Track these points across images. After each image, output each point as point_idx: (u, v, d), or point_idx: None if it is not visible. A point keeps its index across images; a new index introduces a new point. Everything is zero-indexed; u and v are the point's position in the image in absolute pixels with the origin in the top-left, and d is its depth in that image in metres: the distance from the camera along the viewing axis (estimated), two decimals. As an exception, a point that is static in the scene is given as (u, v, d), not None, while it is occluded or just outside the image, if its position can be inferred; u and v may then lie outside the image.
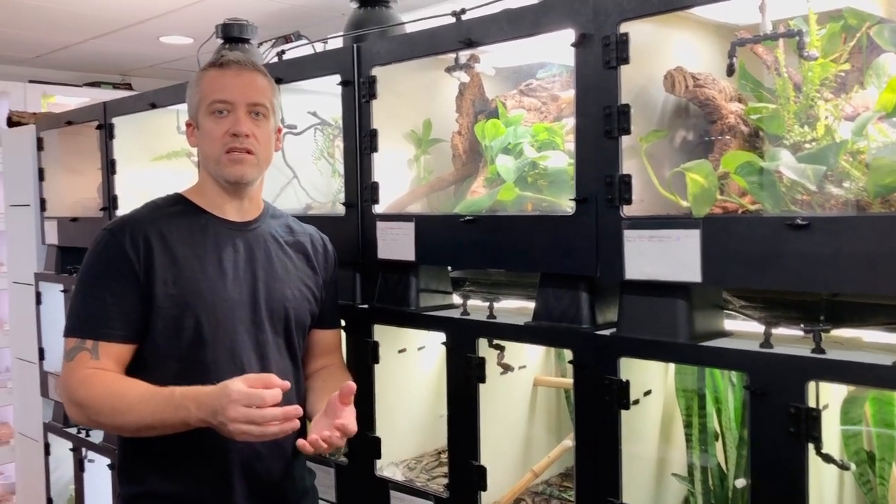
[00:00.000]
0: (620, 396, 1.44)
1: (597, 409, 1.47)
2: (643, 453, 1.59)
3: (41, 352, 3.23)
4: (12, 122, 3.47)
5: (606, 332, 1.49)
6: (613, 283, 1.49)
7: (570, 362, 1.52)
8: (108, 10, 3.69)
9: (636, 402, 1.50)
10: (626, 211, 1.42)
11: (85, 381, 1.45)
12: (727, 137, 1.44)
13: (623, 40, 1.40)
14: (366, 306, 1.94)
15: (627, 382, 1.44)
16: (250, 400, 1.32)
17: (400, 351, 1.98)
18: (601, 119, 1.43)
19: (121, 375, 1.49)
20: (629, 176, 1.41)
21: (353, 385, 1.47)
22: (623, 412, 1.44)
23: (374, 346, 1.88)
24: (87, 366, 1.47)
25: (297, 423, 1.36)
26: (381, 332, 1.91)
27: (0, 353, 4.57)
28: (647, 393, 1.57)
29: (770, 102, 1.47)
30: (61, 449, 3.17)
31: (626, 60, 1.40)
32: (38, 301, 3.23)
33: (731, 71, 1.37)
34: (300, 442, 1.41)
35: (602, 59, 1.42)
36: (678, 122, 1.57)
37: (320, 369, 1.77)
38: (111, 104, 2.85)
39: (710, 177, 1.34)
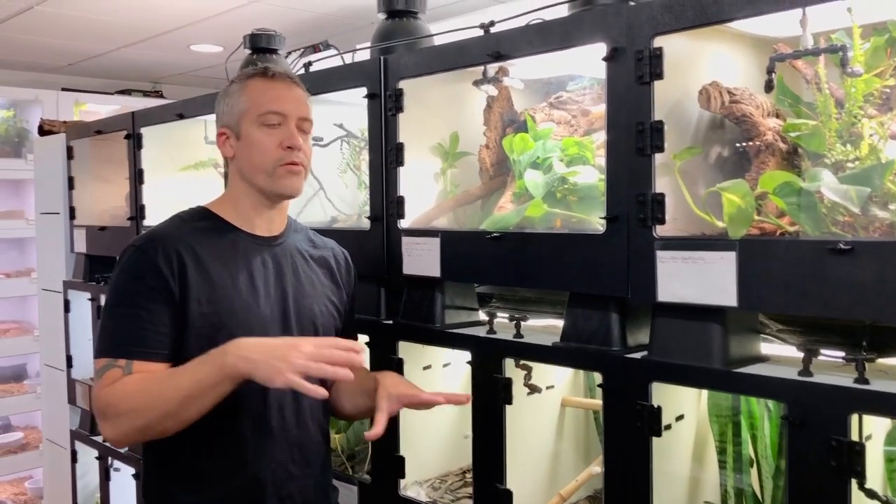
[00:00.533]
0: (652, 423, 1.39)
1: (627, 434, 1.42)
2: (675, 480, 1.54)
3: (69, 359, 3.24)
4: (44, 131, 3.50)
5: (637, 356, 1.44)
6: (645, 304, 1.44)
7: (599, 386, 1.47)
8: (140, 18, 3.71)
9: (668, 427, 1.45)
10: (659, 231, 1.37)
11: (114, 391, 1.39)
12: (765, 155, 1.39)
13: (657, 55, 1.35)
14: (390, 322, 1.91)
15: (659, 408, 1.39)
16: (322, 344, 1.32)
17: (425, 368, 1.95)
18: (633, 135, 1.39)
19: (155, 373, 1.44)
20: (662, 195, 1.36)
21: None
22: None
23: (399, 363, 1.85)
24: (119, 379, 1.40)
25: (349, 374, 1.31)
26: (406, 348, 1.87)
27: (31, 358, 4.61)
28: (680, 418, 1.52)
29: (809, 118, 1.41)
30: (88, 457, 3.18)
31: (659, 76, 1.36)
32: (67, 309, 3.25)
33: (769, 87, 1.32)
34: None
35: (635, 73, 1.38)
36: (713, 138, 1.52)
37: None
38: (139, 114, 2.85)
39: (748, 197, 1.29)
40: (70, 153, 3.29)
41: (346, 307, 1.72)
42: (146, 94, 5.19)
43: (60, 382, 3.32)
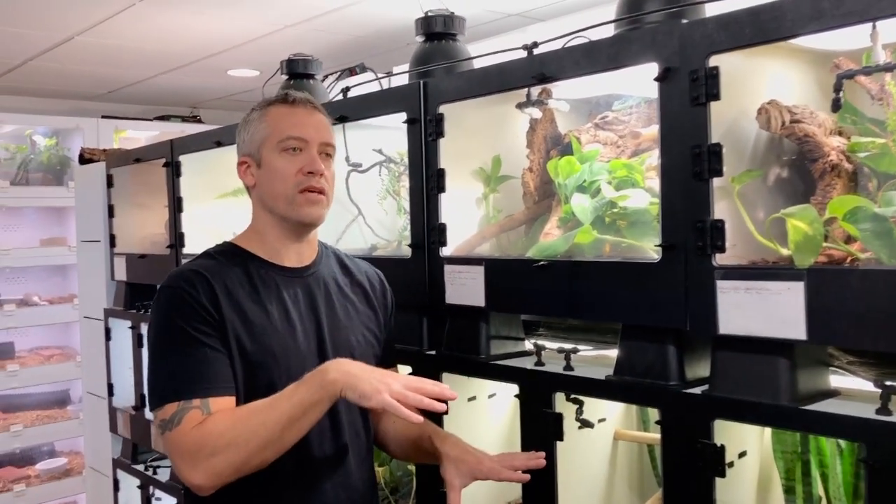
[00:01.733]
0: (715, 462, 1.31)
1: (688, 474, 1.34)
2: (738, 520, 1.45)
3: (110, 388, 3.24)
4: (84, 159, 3.52)
5: (697, 391, 1.36)
6: (704, 336, 1.36)
7: (657, 422, 1.40)
8: (178, 45, 3.73)
9: (730, 464, 1.37)
10: (719, 259, 1.30)
11: (203, 431, 1.32)
12: (830, 177, 1.31)
13: (713, 74, 1.28)
14: (433, 353, 1.85)
15: (722, 447, 1.31)
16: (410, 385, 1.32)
17: (469, 399, 1.88)
18: (690, 159, 1.32)
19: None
20: (722, 221, 1.29)
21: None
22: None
23: (443, 395, 1.79)
24: (199, 422, 1.34)
25: (441, 406, 1.31)
26: (450, 379, 1.81)
27: (74, 384, 4.64)
28: (742, 454, 1.44)
29: (876, 136, 1.33)
30: (130, 485, 3.17)
31: (716, 96, 1.29)
32: (108, 337, 3.25)
33: (836, 106, 1.24)
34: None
35: (689, 94, 1.31)
36: (771, 159, 1.44)
37: (384, 412, 1.69)
38: (178, 142, 2.85)
39: (815, 224, 1.21)
40: (110, 181, 3.30)
41: (385, 333, 1.66)
42: (184, 119, 5.23)
43: (102, 410, 3.31)
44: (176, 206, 2.84)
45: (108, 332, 3.25)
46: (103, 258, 3.34)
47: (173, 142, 2.86)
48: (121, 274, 3.21)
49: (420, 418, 1.29)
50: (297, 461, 1.44)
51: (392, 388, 1.28)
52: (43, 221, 4.82)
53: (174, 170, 2.84)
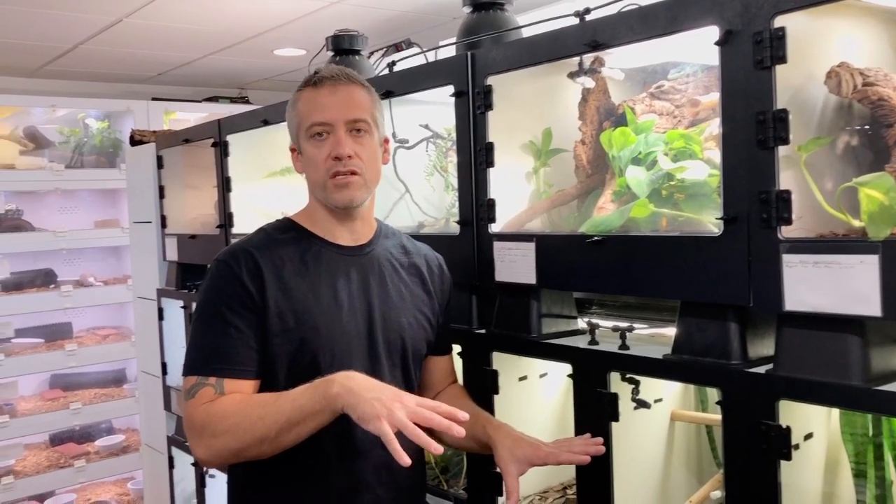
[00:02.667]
0: (780, 445, 1.25)
1: (751, 457, 1.28)
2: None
3: (164, 366, 3.28)
4: (135, 141, 3.55)
5: (761, 370, 1.30)
6: (769, 313, 1.30)
7: (717, 403, 1.34)
8: (225, 25, 3.73)
9: (796, 446, 1.30)
10: (785, 232, 1.23)
11: (211, 410, 1.33)
12: (907, 143, 1.22)
13: (779, 36, 1.20)
14: (483, 332, 1.82)
15: (788, 429, 1.24)
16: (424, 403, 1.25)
17: (520, 378, 1.84)
18: (753, 126, 1.24)
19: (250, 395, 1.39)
20: (788, 192, 1.22)
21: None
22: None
23: (494, 374, 1.75)
24: (211, 398, 1.36)
25: (459, 430, 1.24)
26: (500, 358, 1.77)
27: (129, 363, 4.73)
28: (809, 437, 1.37)
29: (956, 99, 1.24)
30: (184, 462, 3.21)
31: (782, 59, 1.21)
32: (161, 316, 3.29)
33: (916, 66, 1.15)
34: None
35: (753, 58, 1.23)
36: (841, 125, 1.36)
37: (436, 396, 1.67)
38: (225, 121, 2.84)
39: (892, 193, 1.13)
40: (160, 162, 3.32)
41: (440, 318, 1.64)
42: (233, 100, 5.25)
43: (156, 388, 3.36)
44: (224, 185, 2.84)
45: (160, 311, 3.29)
46: (155, 239, 3.37)
47: (221, 122, 2.86)
48: (172, 254, 3.24)
49: (438, 448, 1.21)
50: (339, 441, 1.42)
51: (394, 415, 1.19)
52: (97, 204, 4.90)
53: (222, 150, 2.84)
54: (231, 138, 2.81)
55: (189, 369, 1.41)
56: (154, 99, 4.88)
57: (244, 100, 5.35)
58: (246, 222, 2.75)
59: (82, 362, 4.50)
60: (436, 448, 1.22)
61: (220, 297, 1.43)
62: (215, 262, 1.47)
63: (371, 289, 1.51)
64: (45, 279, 4.53)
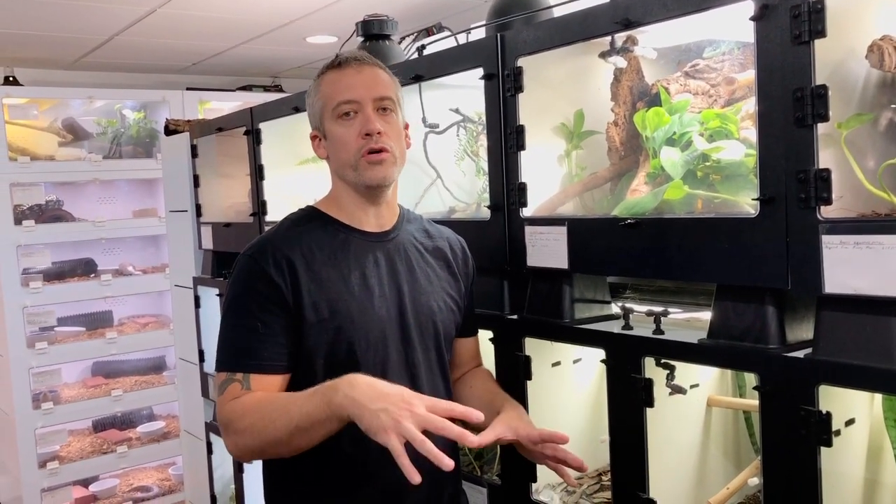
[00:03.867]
0: (820, 431, 1.21)
1: (790, 443, 1.25)
2: (846, 491, 1.35)
3: (201, 354, 3.32)
4: (169, 131, 3.58)
5: (799, 354, 1.27)
6: (808, 296, 1.26)
7: (755, 388, 1.31)
8: (257, 14, 3.74)
9: (837, 433, 1.27)
10: (824, 212, 1.19)
11: (234, 408, 1.35)
12: (953, 118, 1.18)
13: (817, 9, 1.16)
14: (515, 317, 1.80)
15: (828, 415, 1.21)
16: (436, 408, 1.20)
17: (553, 364, 1.83)
18: (790, 104, 1.21)
19: (272, 394, 1.39)
20: (828, 171, 1.18)
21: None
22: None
23: (526, 360, 1.73)
24: (237, 395, 1.38)
25: (450, 463, 1.19)
26: (533, 344, 1.76)
27: (168, 351, 4.80)
28: (850, 422, 1.33)
29: None
30: (222, 448, 3.24)
31: (821, 33, 1.17)
32: (197, 304, 3.32)
33: (962, 37, 1.11)
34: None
35: (790, 32, 1.20)
36: (884, 102, 1.31)
37: (460, 377, 1.67)
38: (257, 109, 2.85)
39: (937, 169, 1.09)
40: (194, 151, 3.35)
41: (466, 301, 1.63)
42: (266, 88, 5.27)
43: (194, 375, 3.41)
44: (258, 173, 2.85)
45: (197, 299, 3.32)
46: (191, 228, 3.40)
47: (253, 109, 2.86)
48: (207, 243, 3.27)
49: (449, 463, 1.17)
50: None
51: (402, 426, 1.15)
52: (135, 193, 4.97)
53: (255, 138, 2.85)
54: (263, 126, 2.82)
55: (218, 365, 1.43)
56: (189, 89, 4.92)
57: (277, 88, 5.37)
58: (279, 210, 2.76)
59: (123, 350, 4.58)
60: (470, 441, 1.22)
61: (247, 292, 1.43)
62: (242, 257, 1.47)
63: (399, 274, 1.51)
64: (86, 268, 4.60)
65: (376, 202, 1.52)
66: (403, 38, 2.73)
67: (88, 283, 4.48)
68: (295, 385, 1.45)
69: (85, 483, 4.51)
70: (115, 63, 4.76)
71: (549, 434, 1.41)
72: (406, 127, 1.55)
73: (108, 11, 3.58)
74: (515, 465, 1.76)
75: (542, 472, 1.76)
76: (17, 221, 4.23)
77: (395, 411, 1.17)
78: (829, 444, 1.22)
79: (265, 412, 1.32)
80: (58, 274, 4.48)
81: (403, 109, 1.54)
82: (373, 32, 2.47)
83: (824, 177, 1.18)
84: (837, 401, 1.25)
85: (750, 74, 1.50)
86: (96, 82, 4.91)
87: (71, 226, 4.48)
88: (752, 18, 1.25)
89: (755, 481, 1.55)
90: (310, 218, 1.53)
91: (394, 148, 1.47)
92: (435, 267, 1.58)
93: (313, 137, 1.55)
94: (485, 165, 1.85)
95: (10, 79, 4.52)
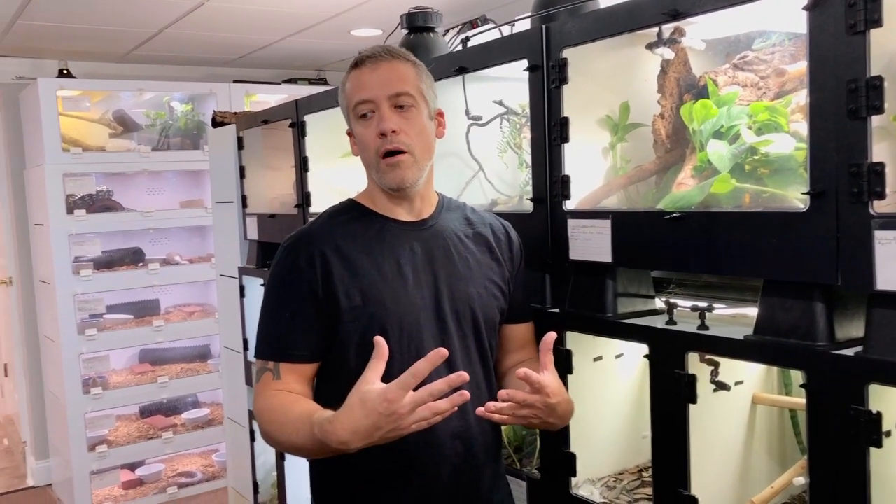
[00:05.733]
0: (869, 431, 1.19)
1: (838, 443, 1.22)
2: None
3: (245, 342, 3.37)
4: (216, 123, 3.63)
5: (849, 352, 1.24)
6: (858, 293, 1.23)
7: (802, 386, 1.28)
8: (303, 7, 3.77)
9: (887, 433, 1.24)
10: (877, 207, 1.16)
11: (262, 407, 1.43)
12: None
13: (874, -3, 1.13)
14: (557, 311, 1.79)
15: (879, 415, 1.18)
16: (407, 384, 1.19)
17: (595, 359, 1.81)
18: (843, 95, 1.18)
19: (297, 396, 1.43)
20: (882, 164, 1.15)
21: (552, 335, 1.35)
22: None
23: (568, 355, 1.72)
24: (269, 386, 1.44)
25: (465, 395, 1.21)
26: (574, 338, 1.74)
27: (213, 339, 4.88)
28: (901, 423, 1.30)
29: None
30: (265, 436, 3.29)
31: (877, 23, 1.14)
32: (242, 294, 3.37)
33: None
34: (479, 410, 1.31)
35: (845, 22, 1.16)
36: (942, 93, 1.27)
37: (515, 366, 1.65)
38: (302, 102, 2.88)
39: None
40: (240, 143, 3.39)
41: (512, 285, 1.62)
42: (311, 82, 5.32)
43: (238, 364, 3.46)
44: (302, 165, 2.88)
45: (242, 289, 3.37)
46: (236, 218, 3.45)
47: (298, 102, 2.89)
48: (252, 233, 3.31)
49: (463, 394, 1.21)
50: None
51: (407, 429, 1.20)
52: (182, 184, 5.06)
53: (299, 130, 2.87)
54: (308, 118, 2.84)
55: (255, 353, 1.49)
56: (235, 81, 4.99)
57: (322, 81, 5.41)
58: (323, 201, 2.78)
59: (169, 338, 4.67)
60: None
61: (282, 283, 1.48)
62: (280, 248, 1.51)
63: (436, 261, 1.51)
64: (134, 257, 4.70)
65: (406, 198, 1.54)
66: (448, 31, 2.72)
67: (136, 271, 4.58)
68: (329, 371, 1.49)
69: (132, 467, 4.62)
70: (164, 56, 4.84)
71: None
72: (440, 114, 1.55)
73: (158, 5, 3.65)
74: (555, 459, 1.76)
75: (582, 466, 1.75)
76: (70, 211, 4.34)
77: (393, 426, 1.20)
78: (878, 444, 1.19)
79: (283, 423, 1.37)
80: (107, 262, 4.58)
81: (432, 99, 1.53)
82: (417, 25, 2.48)
83: (878, 170, 1.15)
84: (888, 401, 1.22)
85: (801, 66, 1.47)
86: (146, 75, 5.00)
87: (120, 215, 4.58)
88: (806, 8, 1.22)
89: (801, 481, 1.52)
90: (348, 209, 1.56)
91: (412, 146, 1.46)
92: (475, 253, 1.58)
93: (350, 135, 1.57)
94: (528, 158, 1.84)
95: (65, 72, 4.63)
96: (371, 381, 1.22)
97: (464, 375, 1.22)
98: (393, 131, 1.43)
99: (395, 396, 1.18)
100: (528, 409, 1.33)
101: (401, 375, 1.19)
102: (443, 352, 1.20)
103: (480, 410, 1.31)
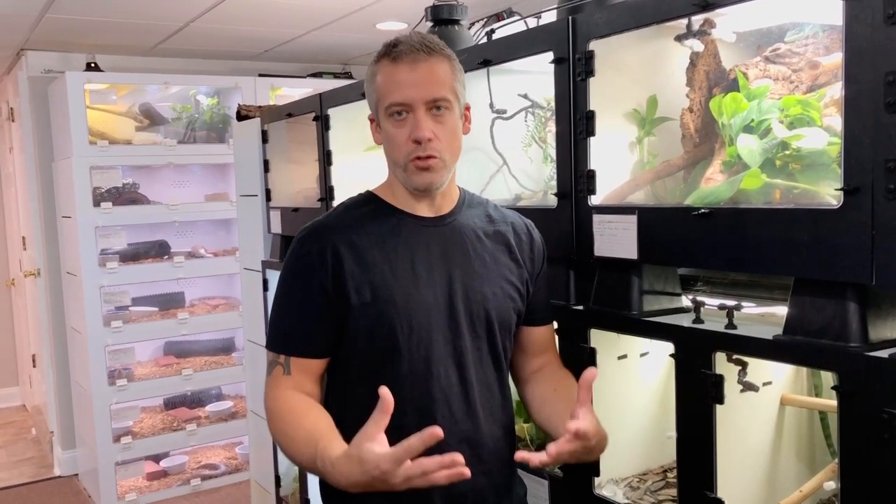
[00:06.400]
0: (904, 435, 1.15)
1: (870, 447, 1.19)
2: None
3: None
4: (241, 116, 3.63)
5: (883, 354, 1.20)
6: (893, 293, 1.19)
7: (833, 388, 1.24)
8: (328, 1, 3.76)
9: (922, 438, 1.20)
10: (915, 204, 1.12)
11: (271, 407, 1.42)
12: None
13: (914, -14, 1.09)
14: (581, 308, 1.76)
15: (914, 419, 1.14)
16: (400, 459, 1.16)
17: (620, 357, 1.78)
18: (881, 88, 1.14)
19: (308, 405, 1.41)
20: (920, 160, 1.11)
21: (593, 371, 1.29)
22: (906, 453, 1.16)
23: (591, 352, 1.70)
24: (280, 382, 1.42)
25: (464, 471, 1.18)
26: (598, 336, 1.72)
27: (237, 332, 4.89)
28: (937, 428, 1.26)
29: None
30: (287, 430, 3.30)
31: (917, 11, 1.10)
32: (265, 287, 3.37)
33: None
34: (526, 455, 1.25)
35: (883, 12, 1.12)
36: (984, 86, 1.23)
37: (537, 371, 1.62)
38: (326, 95, 2.87)
39: None
40: (265, 137, 3.39)
41: (531, 287, 1.58)
42: (336, 75, 5.31)
43: (261, 357, 3.46)
44: (326, 159, 2.87)
45: (265, 283, 3.37)
46: (260, 212, 3.45)
47: (322, 95, 2.88)
48: (276, 227, 3.31)
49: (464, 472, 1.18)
50: (420, 415, 1.41)
51: (398, 486, 1.17)
52: (207, 178, 5.08)
53: (323, 123, 2.86)
54: (332, 112, 2.83)
55: (267, 343, 1.48)
56: (261, 75, 4.99)
57: (347, 75, 5.40)
58: (346, 195, 2.73)
59: (193, 331, 4.69)
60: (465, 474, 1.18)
61: (294, 275, 1.46)
62: (294, 240, 1.50)
63: (452, 259, 1.49)
64: (160, 250, 4.73)
65: (428, 196, 1.51)
66: (473, 24, 2.70)
67: (162, 264, 4.61)
68: (338, 367, 1.48)
69: (156, 458, 4.65)
70: (190, 50, 4.86)
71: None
72: (467, 108, 1.52)
73: (183, -2, 3.65)
74: (578, 458, 1.73)
75: (606, 466, 1.72)
76: (96, 203, 4.37)
77: (389, 485, 1.18)
78: (913, 449, 1.15)
79: (291, 437, 1.36)
80: (133, 255, 4.61)
81: (462, 95, 1.49)
82: (442, 17, 2.45)
83: (916, 166, 1.11)
84: (923, 404, 1.18)
85: (836, 58, 1.43)
86: (172, 68, 5.02)
87: (146, 208, 4.60)
88: (841, -2, 1.18)
89: (831, 485, 1.48)
90: (365, 202, 1.54)
91: (443, 152, 1.44)
92: (494, 252, 1.55)
93: (371, 121, 1.53)
94: (552, 152, 1.81)
95: (92, 65, 4.66)
96: (372, 436, 1.19)
97: (456, 457, 1.18)
98: (428, 139, 1.41)
99: (389, 468, 1.17)
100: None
101: (394, 448, 1.17)
102: (437, 433, 1.16)
103: (520, 455, 1.26)
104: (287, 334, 1.45)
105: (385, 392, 1.20)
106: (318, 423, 1.35)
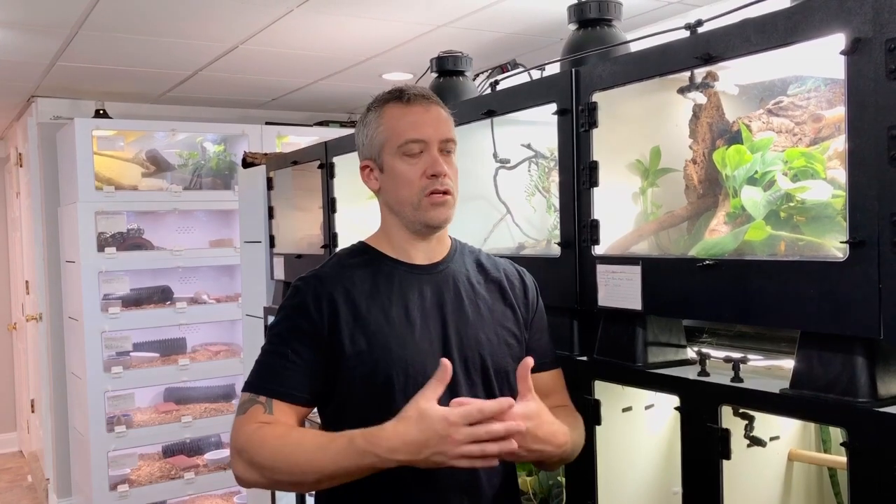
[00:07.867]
0: (916, 494, 1.12)
1: (881, 506, 1.16)
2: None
3: (268, 384, 3.33)
4: (247, 163, 3.66)
5: (893, 410, 1.18)
6: (902, 347, 1.18)
7: (842, 444, 1.22)
8: (334, 51, 3.82)
9: (934, 497, 1.17)
10: (922, 257, 1.11)
11: (253, 437, 1.34)
12: None
13: (916, 42, 1.10)
14: (585, 359, 1.74)
15: (926, 477, 1.12)
16: (470, 417, 1.21)
17: (624, 409, 1.76)
18: (884, 142, 1.14)
19: (290, 425, 1.38)
20: (926, 213, 1.10)
21: (528, 360, 1.35)
22: (919, 513, 1.13)
23: (596, 404, 1.67)
24: (259, 418, 1.37)
25: (513, 444, 1.23)
26: (603, 387, 1.69)
27: (238, 379, 4.85)
28: (949, 486, 1.23)
29: None
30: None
31: (919, 67, 1.10)
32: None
33: None
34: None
35: (885, 67, 1.13)
36: None
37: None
38: (332, 143, 2.89)
39: None
40: (270, 184, 3.41)
41: (528, 331, 1.57)
42: (342, 124, 5.36)
43: (261, 405, 3.42)
44: (330, 206, 2.88)
45: (267, 329, 3.35)
46: (264, 258, 3.45)
47: (327, 143, 2.90)
48: (279, 273, 3.30)
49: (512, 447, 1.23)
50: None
51: (456, 460, 1.22)
52: (212, 224, 5.09)
53: (328, 171, 2.88)
54: (337, 160, 2.85)
55: (246, 385, 1.44)
56: (268, 123, 5.04)
57: (353, 124, 5.43)
58: (350, 242, 2.76)
59: (194, 377, 4.66)
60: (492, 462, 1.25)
61: (287, 321, 1.45)
62: (291, 287, 1.50)
63: (445, 305, 1.48)
64: (162, 296, 4.72)
65: (428, 238, 1.52)
66: (478, 75, 2.73)
67: (164, 310, 4.60)
68: (332, 414, 1.46)
69: (153, 508, 4.57)
70: (198, 97, 4.92)
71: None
72: None
73: (192, 48, 3.71)
74: (582, 513, 1.70)
75: (610, 521, 1.69)
76: (100, 248, 4.38)
77: (443, 450, 1.21)
78: (926, 509, 1.12)
79: (290, 454, 1.31)
80: (135, 300, 4.60)
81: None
82: (447, 68, 2.48)
83: (922, 220, 1.10)
84: (935, 462, 1.16)
85: (838, 112, 1.43)
86: (180, 116, 5.08)
87: (150, 254, 4.61)
88: (844, 52, 1.19)
89: (842, 545, 1.45)
90: (358, 253, 1.55)
91: (453, 190, 1.48)
92: (487, 299, 1.54)
93: (364, 168, 1.54)
94: (556, 201, 1.81)
95: (101, 112, 4.72)
96: (430, 398, 1.24)
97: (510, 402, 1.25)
98: (444, 174, 1.45)
99: (457, 422, 1.21)
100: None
101: (468, 407, 1.23)
102: (509, 400, 1.24)
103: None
104: (274, 376, 1.41)
105: (445, 362, 1.27)
106: (321, 433, 1.36)
